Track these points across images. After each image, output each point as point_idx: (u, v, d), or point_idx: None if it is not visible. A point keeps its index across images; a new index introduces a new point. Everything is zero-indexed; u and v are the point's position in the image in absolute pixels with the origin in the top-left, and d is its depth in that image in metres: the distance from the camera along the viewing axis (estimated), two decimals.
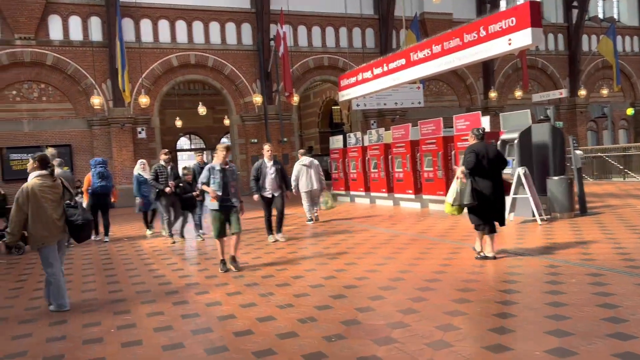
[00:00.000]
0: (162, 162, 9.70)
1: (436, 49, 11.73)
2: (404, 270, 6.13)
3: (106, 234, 10.64)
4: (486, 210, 6.34)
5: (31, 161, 5.36)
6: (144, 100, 19.22)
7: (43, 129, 19.50)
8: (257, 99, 21.19)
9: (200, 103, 27.95)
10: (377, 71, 14.21)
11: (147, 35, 20.66)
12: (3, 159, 18.80)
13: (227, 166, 6.87)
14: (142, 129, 20.76)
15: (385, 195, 14.25)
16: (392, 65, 13.42)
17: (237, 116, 22.71)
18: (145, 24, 20.64)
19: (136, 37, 20.45)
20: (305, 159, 11.35)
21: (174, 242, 9.58)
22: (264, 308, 4.88)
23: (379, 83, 14.33)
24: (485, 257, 6.40)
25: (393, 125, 15.91)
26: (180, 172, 10.34)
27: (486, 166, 6.28)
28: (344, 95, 15.87)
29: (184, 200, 9.56)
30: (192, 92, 35.35)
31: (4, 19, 18.38)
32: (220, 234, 6.76)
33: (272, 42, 21.96)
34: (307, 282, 5.87)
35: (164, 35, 20.96)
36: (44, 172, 5.24)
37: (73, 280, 6.92)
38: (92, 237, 11.02)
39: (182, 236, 9.87)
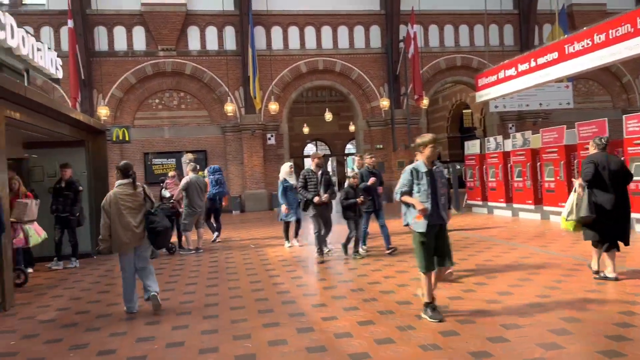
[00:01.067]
0: (312, 167, 8.39)
1: (599, 38, 10.05)
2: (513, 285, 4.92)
3: (217, 230, 11.50)
4: (606, 226, 5.83)
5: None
6: (273, 107, 19.44)
7: (182, 135, 20.58)
8: (384, 102, 20.42)
9: (326, 109, 27.90)
10: (522, 67, 12.70)
11: (277, 43, 20.94)
12: (146, 164, 20.14)
13: (434, 167, 4.91)
14: (272, 135, 21.04)
15: (532, 207, 12.57)
16: (541, 61, 11.86)
17: (363, 121, 22.15)
18: (276, 31, 20.93)
19: (267, 44, 20.80)
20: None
21: (322, 262, 8.09)
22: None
23: (524, 81, 12.82)
24: (606, 278, 5.86)
25: (535, 128, 14.17)
26: (349, 173, 9.20)
27: (607, 179, 5.80)
28: (482, 95, 14.50)
29: (347, 208, 8.21)
30: (319, 99, 35.68)
31: (149, 32, 19.72)
32: (430, 266, 4.81)
33: (401, 44, 21.08)
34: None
35: (294, 42, 21.08)
36: (125, 180, 5.54)
37: (198, 283, 6.72)
38: (215, 237, 11.11)
39: (346, 251, 8.58)
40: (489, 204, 14.28)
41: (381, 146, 21.94)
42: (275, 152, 21.22)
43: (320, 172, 8.28)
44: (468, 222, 12.81)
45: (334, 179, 40.00)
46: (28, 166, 9.51)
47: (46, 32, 19.21)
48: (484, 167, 14.50)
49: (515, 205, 13.17)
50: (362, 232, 8.53)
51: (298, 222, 10.17)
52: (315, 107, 34.96)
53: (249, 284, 6.74)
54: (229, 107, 19.19)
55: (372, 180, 8.40)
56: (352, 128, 30.49)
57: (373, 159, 8.87)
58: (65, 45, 18.79)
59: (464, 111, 35.84)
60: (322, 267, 7.82)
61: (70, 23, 17.70)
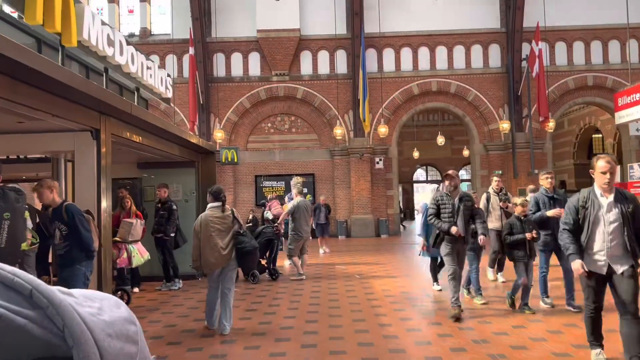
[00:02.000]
0: (445, 191, 6.42)
1: None
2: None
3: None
4: None
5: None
6: (382, 130, 18.81)
7: (291, 158, 20.66)
8: (505, 125, 18.90)
9: (439, 133, 26.72)
10: None
11: (389, 65, 20.41)
12: (257, 186, 20.43)
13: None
14: (380, 159, 20.40)
15: None
16: None
17: (480, 145, 20.71)
18: (388, 53, 20.43)
19: (378, 67, 20.36)
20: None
21: (457, 318, 6.03)
22: None
23: None
24: None
25: None
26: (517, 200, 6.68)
27: None
28: (622, 116, 12.69)
29: (513, 246, 6.27)
30: (431, 123, 34.49)
31: (264, 57, 20.19)
32: None
33: (523, 63, 19.52)
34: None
35: (406, 64, 20.42)
36: (216, 203, 5.75)
37: (296, 317, 6.17)
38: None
39: (513, 303, 6.46)
40: None
41: (500, 172, 20.31)
42: (384, 177, 20.51)
43: (458, 197, 6.21)
44: None
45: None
46: (141, 185, 9.74)
47: (170, 60, 20.44)
48: None
49: None
50: (541, 277, 6.55)
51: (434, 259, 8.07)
52: (426, 131, 33.82)
53: (352, 323, 6.06)
54: (338, 131, 18.90)
55: (556, 212, 6.16)
56: (466, 153, 28.91)
57: (549, 179, 6.44)
58: (186, 72, 19.83)
59: (593, 136, 32.62)
60: (442, 313, 6.42)
61: (191, 50, 18.64)
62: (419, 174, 39.66)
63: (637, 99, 12.05)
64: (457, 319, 5.94)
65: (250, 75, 20.46)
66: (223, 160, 13.65)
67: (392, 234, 20.12)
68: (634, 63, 19.98)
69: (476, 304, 6.88)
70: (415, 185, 38.71)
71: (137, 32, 20.62)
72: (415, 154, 29.94)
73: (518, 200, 6.55)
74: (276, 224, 9.64)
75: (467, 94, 20.29)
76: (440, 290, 7.83)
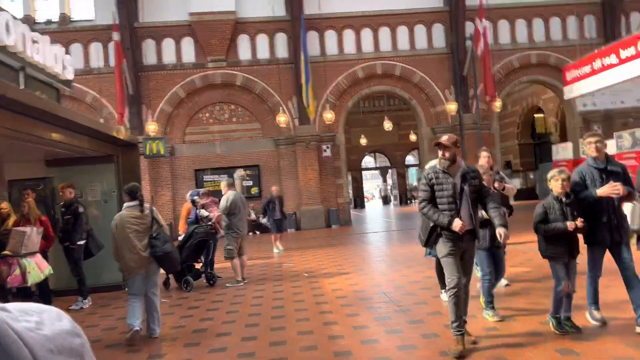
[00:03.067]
0: (440, 166, 4.37)
1: None
2: None
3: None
4: None
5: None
6: (329, 115, 17.91)
7: (234, 150, 19.45)
8: (452, 107, 18.42)
9: (385, 117, 26.16)
10: (625, 54, 10.51)
11: (332, 48, 19.50)
12: (198, 181, 19.12)
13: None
14: (327, 147, 19.53)
15: None
16: None
17: (427, 129, 20.21)
18: (330, 36, 19.51)
19: (321, 50, 19.41)
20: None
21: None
22: None
23: (625, 70, 10.63)
24: None
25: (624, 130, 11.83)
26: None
27: None
28: (572, 90, 12.35)
29: (552, 240, 4.50)
30: (377, 109, 34.01)
31: (198, 42, 18.81)
32: None
33: (468, 42, 19.10)
34: None
35: (349, 46, 19.58)
36: (132, 203, 5.37)
37: (232, 333, 5.15)
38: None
39: (559, 323, 4.54)
40: None
41: None
42: (332, 165, 19.67)
43: (460, 174, 4.31)
44: None
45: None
46: (52, 186, 8.39)
47: (95, 48, 18.72)
48: None
49: None
50: (590, 282, 4.69)
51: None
52: (373, 117, 33.29)
53: (297, 336, 5.13)
54: (282, 118, 17.86)
55: (617, 188, 4.26)
56: (413, 137, 28.60)
57: (597, 144, 4.52)
58: (113, 61, 18.18)
59: (535, 116, 33.08)
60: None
61: (116, 36, 17.02)
62: (368, 161, 39.23)
63: (587, 72, 11.71)
64: (461, 357, 4.10)
65: (184, 62, 19.03)
66: (147, 153, 12.27)
67: (343, 224, 19.35)
68: (574, 40, 19.97)
69: (487, 320, 5.11)
70: (364, 172, 38.23)
71: (55, 19, 18.69)
72: (363, 141, 29.36)
73: (557, 173, 4.52)
74: (211, 222, 8.55)
75: (413, 76, 19.70)
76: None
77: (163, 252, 5.25)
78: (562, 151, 12.63)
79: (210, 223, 8.50)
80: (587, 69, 11.48)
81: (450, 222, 4.13)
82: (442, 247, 4.29)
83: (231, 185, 8.87)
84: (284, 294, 7.35)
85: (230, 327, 5.63)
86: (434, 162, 4.69)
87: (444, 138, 4.39)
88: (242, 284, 8.33)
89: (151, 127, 17.47)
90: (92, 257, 7.30)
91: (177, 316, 6.43)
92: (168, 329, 5.80)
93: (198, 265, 8.64)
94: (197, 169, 19.22)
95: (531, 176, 31.68)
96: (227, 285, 8.30)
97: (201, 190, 9.54)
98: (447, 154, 4.28)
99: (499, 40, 19.84)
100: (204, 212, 8.62)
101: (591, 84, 11.29)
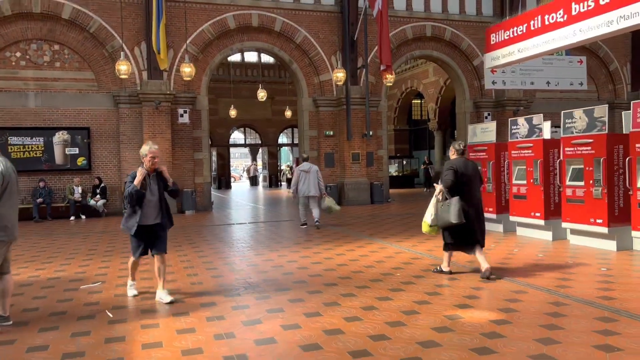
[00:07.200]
0: None
1: None
2: None
3: None
4: (470, 229, 6.04)
5: None
6: (187, 69, 13.76)
7: (54, 105, 14.52)
8: (339, 75, 15.42)
9: (260, 86, 22.59)
10: (556, 18, 8.25)
11: None
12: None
13: None
14: (185, 111, 15.50)
15: (603, 230, 7.82)
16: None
17: (309, 99, 17.08)
18: None
19: None
20: (305, 165, 10.94)
21: None
22: None
23: (546, 41, 8.46)
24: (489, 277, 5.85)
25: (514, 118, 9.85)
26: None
27: (466, 183, 6.01)
28: (495, 58, 9.89)
29: None
30: (250, 79, 30.33)
31: None
32: None
33: (361, 1, 16.25)
34: None
35: None
36: None
37: None
38: None
39: None
40: (512, 217, 9.57)
41: (332, 133, 17.04)
42: (190, 135, 15.69)
43: None
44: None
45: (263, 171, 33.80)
46: None
47: None
48: (504, 162, 9.81)
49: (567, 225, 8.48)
50: None
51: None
52: (245, 88, 29.56)
53: None
54: (123, 67, 13.33)
55: None
56: (288, 114, 25.46)
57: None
58: None
59: (413, 101, 31.92)
60: None
61: None
62: (237, 137, 35.40)
63: (516, 34, 9.32)
64: None
65: None
66: None
67: (200, 210, 15.56)
68: (470, 15, 18.20)
69: None
70: (232, 149, 34.35)
71: None
72: (233, 112, 25.48)
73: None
74: None
75: (295, 34, 16.38)
76: None
77: None
78: (482, 133, 10.16)
79: None
80: (520, 29, 9.08)
81: None
82: None
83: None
84: None
85: None
86: None
87: None
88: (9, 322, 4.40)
89: None
90: None
91: None
92: None
93: None
94: (0, 127, 14.01)
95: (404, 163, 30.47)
96: None
97: None
98: None
99: (395, 6, 17.30)
100: None
101: (515, 53, 8.89)
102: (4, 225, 4.36)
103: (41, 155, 14.30)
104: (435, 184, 6.56)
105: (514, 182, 9.41)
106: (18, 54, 14.31)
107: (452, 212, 5.78)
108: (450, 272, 6.16)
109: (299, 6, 16.40)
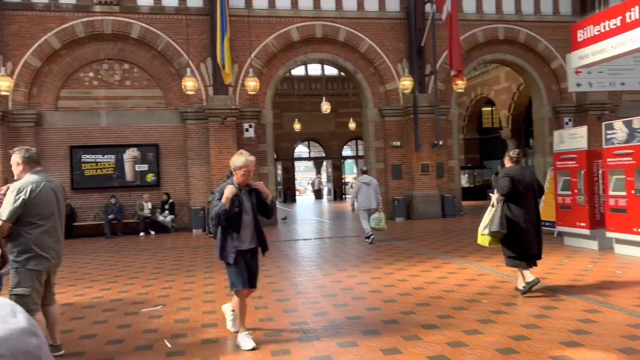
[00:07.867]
0: None
1: None
2: None
3: None
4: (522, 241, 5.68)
5: None
6: (252, 83, 13.71)
7: (124, 122, 14.84)
8: (406, 83, 14.79)
9: (323, 98, 22.30)
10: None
11: (259, 0, 15.33)
12: (73, 161, 14.34)
13: None
14: (250, 125, 15.39)
15: None
16: None
17: (374, 109, 16.52)
18: None
19: (246, 2, 15.18)
20: (366, 178, 10.84)
21: None
22: None
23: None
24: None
25: (599, 124, 8.71)
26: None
27: (521, 192, 5.72)
28: (582, 57, 8.92)
29: None
30: (313, 92, 30.17)
31: None
32: None
33: (427, 6, 15.58)
34: None
35: (283, 0, 15.49)
36: None
37: None
38: None
39: None
40: (608, 233, 8.50)
41: (399, 143, 16.36)
42: (256, 149, 15.52)
43: None
44: (567, 271, 7.23)
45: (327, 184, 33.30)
46: None
47: None
48: (598, 172, 8.79)
49: None
50: None
51: None
52: (308, 102, 29.42)
53: None
54: (189, 83, 13.48)
55: None
56: (352, 125, 25.04)
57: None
58: None
59: (483, 109, 30.54)
60: None
61: None
62: (301, 150, 35.34)
63: (608, 28, 8.34)
64: None
65: (60, 2, 14.18)
66: None
67: (266, 225, 15.29)
68: (546, 15, 17.02)
69: None
70: (296, 163, 34.34)
71: None
72: (297, 127, 25.38)
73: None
74: None
75: (360, 43, 15.93)
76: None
77: None
78: (570, 139, 9.17)
79: None
80: (615, 22, 8.10)
81: None
82: None
83: (32, 162, 4.43)
84: None
85: None
86: None
87: None
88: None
89: (4, 84, 12.54)
90: None
91: None
92: None
93: None
94: (74, 145, 14.44)
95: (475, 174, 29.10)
96: None
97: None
98: None
99: (463, 9, 16.48)
100: None
101: (624, 43, 7.89)
102: (35, 252, 3.91)
103: (112, 172, 14.61)
104: (490, 193, 6.33)
105: (611, 193, 8.37)
106: (91, 74, 14.77)
107: (495, 220, 5.60)
108: (538, 281, 5.62)
109: (363, 14, 15.95)
